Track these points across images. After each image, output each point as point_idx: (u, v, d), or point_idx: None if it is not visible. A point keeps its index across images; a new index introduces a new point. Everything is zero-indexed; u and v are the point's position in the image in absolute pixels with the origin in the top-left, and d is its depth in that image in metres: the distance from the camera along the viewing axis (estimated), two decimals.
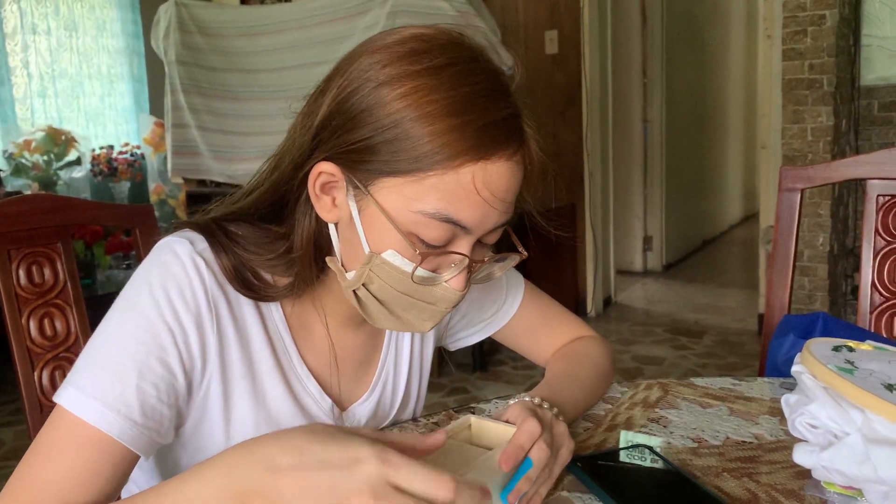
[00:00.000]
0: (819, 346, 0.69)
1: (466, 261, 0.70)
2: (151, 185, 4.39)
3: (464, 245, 0.70)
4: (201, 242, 0.73)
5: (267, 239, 0.76)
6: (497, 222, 0.70)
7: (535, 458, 0.68)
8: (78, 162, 4.19)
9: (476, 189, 0.66)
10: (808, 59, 3.15)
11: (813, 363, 0.64)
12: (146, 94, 4.93)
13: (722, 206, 6.55)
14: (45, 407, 1.10)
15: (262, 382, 0.78)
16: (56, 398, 0.66)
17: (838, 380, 0.61)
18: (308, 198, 0.73)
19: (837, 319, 1.10)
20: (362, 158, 0.67)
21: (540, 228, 0.81)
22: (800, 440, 0.62)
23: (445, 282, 0.70)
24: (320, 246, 0.76)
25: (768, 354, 1.09)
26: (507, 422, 0.72)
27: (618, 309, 4.43)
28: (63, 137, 4.07)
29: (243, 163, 3.48)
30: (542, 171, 0.73)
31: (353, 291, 0.73)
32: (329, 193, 0.72)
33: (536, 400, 0.78)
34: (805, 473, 0.73)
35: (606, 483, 0.72)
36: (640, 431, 0.87)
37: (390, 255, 0.69)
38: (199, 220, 0.76)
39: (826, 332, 1.03)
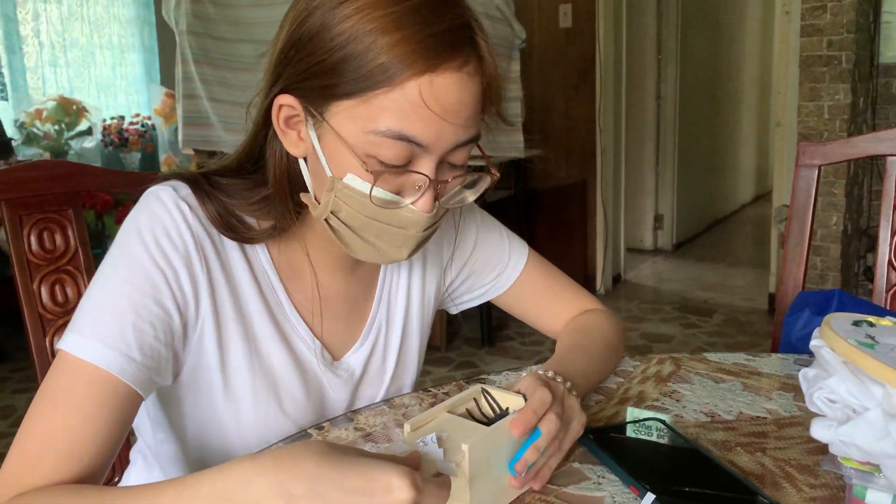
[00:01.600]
0: (839, 320, 0.68)
1: (428, 181, 0.69)
2: (162, 156, 4.39)
3: (425, 165, 0.69)
4: (185, 189, 0.75)
5: (247, 185, 0.77)
6: (457, 139, 0.68)
7: (544, 430, 0.68)
8: (89, 132, 4.19)
9: (425, 103, 0.65)
10: (826, 35, 3.11)
11: (833, 337, 0.63)
12: (157, 64, 4.91)
13: (734, 185, 6.51)
14: None
15: (253, 325, 0.79)
16: (58, 345, 0.68)
17: (859, 354, 0.60)
18: (276, 135, 0.74)
19: (854, 297, 1.08)
20: (314, 85, 0.68)
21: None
22: (817, 415, 0.62)
23: (411, 204, 0.70)
24: (294, 183, 0.76)
25: (783, 330, 1.08)
26: (518, 392, 0.72)
27: (627, 286, 4.43)
28: (74, 107, 4.07)
29: None
30: (498, 86, 0.71)
31: (327, 222, 0.73)
32: (294, 128, 0.73)
33: (550, 373, 0.78)
34: (819, 449, 0.72)
35: (618, 455, 0.72)
36: (651, 405, 0.86)
37: (350, 179, 0.69)
38: (183, 171, 0.78)
39: (842, 309, 1.02)
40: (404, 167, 0.68)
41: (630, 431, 0.77)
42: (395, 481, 0.51)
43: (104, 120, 4.39)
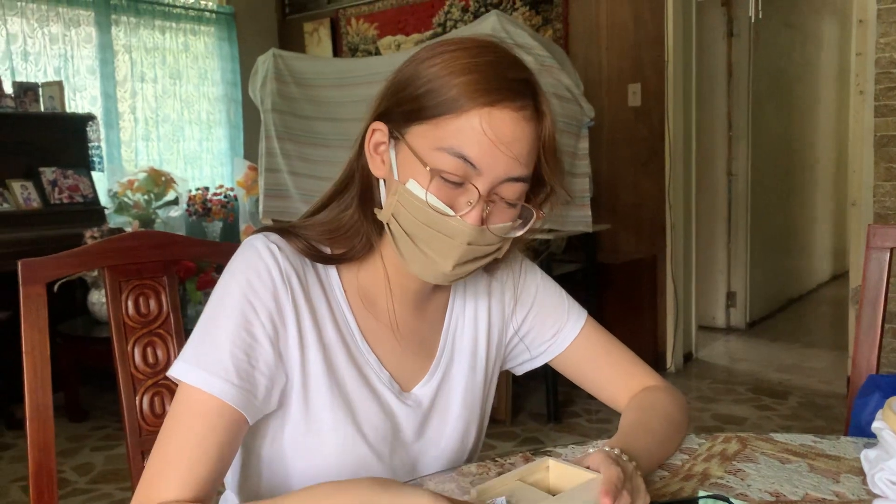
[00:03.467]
0: None
1: (478, 195, 0.79)
2: (242, 226, 4.58)
3: (478, 184, 0.79)
4: (274, 235, 0.87)
5: (327, 217, 0.90)
6: (508, 171, 0.79)
7: None
8: (175, 202, 4.42)
9: (483, 130, 0.77)
10: None
11: (894, 420, 0.64)
12: (241, 139, 5.18)
13: (810, 264, 6.35)
14: (143, 430, 1.16)
15: (330, 351, 0.87)
16: (168, 372, 0.81)
17: None
18: (362, 165, 0.88)
19: None
20: (401, 111, 0.82)
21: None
22: (879, 496, 0.62)
23: (460, 215, 0.79)
24: (375, 202, 0.88)
25: (852, 413, 1.07)
26: (587, 468, 0.74)
27: (698, 365, 4.33)
28: (163, 178, 4.31)
29: None
30: (553, 140, 0.83)
31: (389, 229, 0.84)
32: (379, 154, 0.86)
33: (616, 450, 0.80)
34: None
35: None
36: (716, 483, 0.87)
37: (411, 185, 0.81)
38: (271, 225, 0.92)
39: None
40: (457, 181, 0.79)
41: None
42: (423, 500, 0.60)
43: (190, 191, 4.63)
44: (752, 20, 4.04)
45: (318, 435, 0.86)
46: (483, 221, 0.80)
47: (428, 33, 4.73)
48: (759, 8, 3.66)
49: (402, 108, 0.82)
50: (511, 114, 0.78)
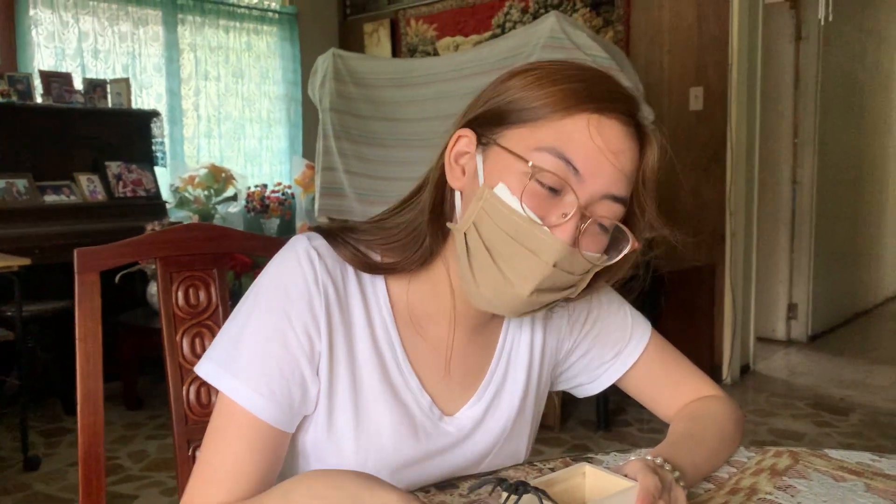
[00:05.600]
0: None
1: (574, 207, 0.72)
2: (298, 223, 4.65)
3: (578, 193, 0.72)
4: (318, 239, 0.82)
5: (392, 223, 0.84)
6: (608, 185, 0.73)
7: None
8: (234, 198, 4.51)
9: (589, 133, 0.72)
10: None
11: None
12: (300, 138, 5.26)
13: (878, 277, 6.12)
14: (190, 420, 1.18)
15: (361, 371, 0.82)
16: (196, 368, 0.80)
17: None
18: (438, 174, 0.81)
19: None
20: (493, 121, 0.76)
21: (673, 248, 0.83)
22: None
23: (550, 227, 0.72)
24: (446, 214, 0.82)
25: None
26: (625, 476, 0.72)
27: (756, 378, 4.21)
28: (223, 175, 4.40)
29: (384, 205, 3.50)
30: (656, 178, 0.78)
31: (465, 239, 0.76)
32: (460, 164, 0.79)
33: (658, 460, 0.77)
34: None
35: None
36: (763, 499, 0.83)
37: (500, 189, 0.73)
38: (322, 225, 0.87)
39: None
40: (556, 189, 0.72)
41: None
42: (392, 498, 0.59)
43: (248, 187, 4.72)
44: (822, 23, 3.90)
45: (338, 453, 0.83)
46: (575, 241, 0.73)
47: (487, 34, 4.72)
48: (830, 10, 3.54)
49: (498, 112, 0.75)
50: (619, 125, 0.73)
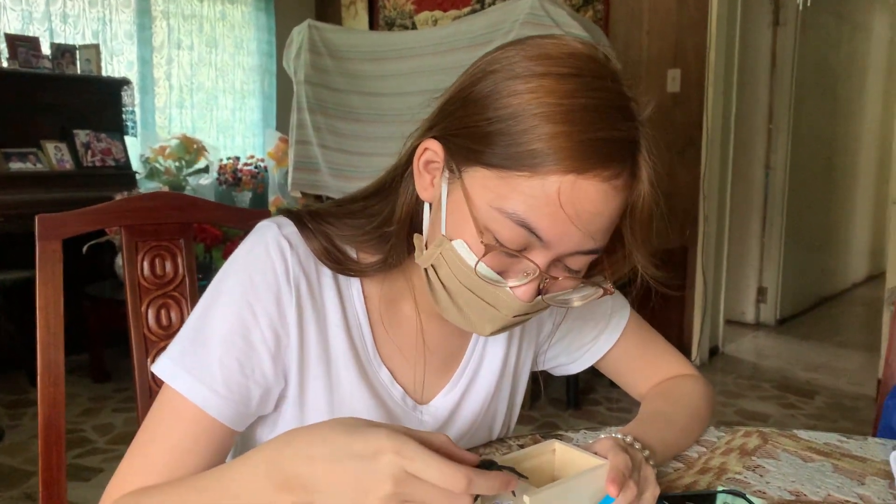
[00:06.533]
0: None
1: (537, 272, 0.68)
2: (271, 197, 4.59)
3: (540, 257, 0.68)
4: (289, 227, 0.78)
5: (364, 216, 0.79)
6: (580, 246, 0.67)
7: (621, 497, 0.66)
8: (206, 170, 4.44)
9: (560, 202, 0.63)
10: None
11: None
12: (274, 110, 5.18)
13: (845, 263, 6.21)
14: (154, 392, 1.16)
15: (337, 364, 0.80)
16: (153, 367, 0.74)
17: None
18: (411, 175, 0.76)
19: None
20: (464, 144, 0.68)
21: (645, 277, 0.76)
22: None
23: (510, 287, 0.69)
24: (415, 224, 0.78)
25: (883, 414, 1.02)
26: (595, 454, 0.71)
27: (724, 360, 4.26)
28: (195, 146, 4.33)
29: (359, 181, 3.56)
30: (649, 211, 0.70)
31: (426, 271, 0.74)
32: (430, 173, 0.74)
33: (628, 438, 0.76)
34: None
35: None
36: (732, 478, 0.83)
37: (458, 245, 0.69)
38: (292, 208, 0.81)
39: None
40: (518, 252, 0.67)
41: (707, 502, 0.75)
42: (382, 444, 0.54)
43: (221, 160, 4.65)
44: (801, 8, 3.91)
45: None
46: (539, 293, 0.69)
47: (466, 9, 4.66)
48: None
49: (467, 141, 0.67)
50: (599, 185, 0.64)
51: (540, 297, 0.70)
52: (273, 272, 0.75)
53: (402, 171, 0.78)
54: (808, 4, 3.63)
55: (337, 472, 0.54)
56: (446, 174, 0.71)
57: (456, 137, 0.69)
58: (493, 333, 0.74)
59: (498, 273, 0.69)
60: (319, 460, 0.55)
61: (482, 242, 0.66)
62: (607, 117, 0.65)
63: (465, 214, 0.68)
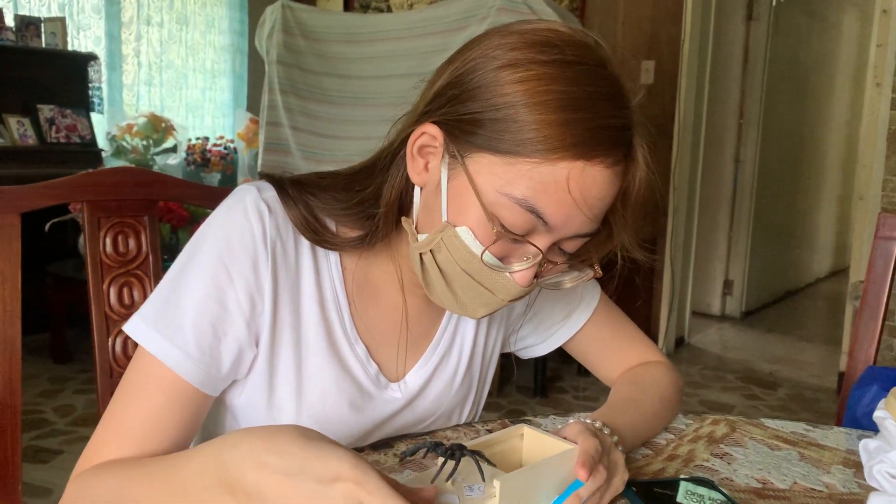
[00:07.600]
0: None
1: (539, 257, 0.69)
2: (240, 179, 4.53)
3: (541, 241, 0.69)
4: (269, 191, 0.76)
5: (349, 192, 0.78)
6: (580, 229, 0.69)
7: (590, 481, 0.66)
8: (174, 149, 4.37)
9: (568, 187, 0.65)
10: None
11: None
12: (245, 90, 5.10)
13: (810, 258, 6.31)
14: (115, 372, 1.13)
15: (308, 336, 0.79)
16: (124, 327, 0.73)
17: None
18: (403, 158, 0.75)
19: None
20: (467, 130, 0.68)
21: (621, 255, 0.78)
22: (875, 489, 0.58)
23: (511, 273, 0.70)
24: (402, 206, 0.77)
25: (847, 404, 1.03)
26: (564, 438, 0.70)
27: (690, 351, 4.31)
28: (163, 125, 4.25)
29: (330, 164, 3.51)
30: (643, 196, 0.73)
31: (420, 255, 0.73)
32: (424, 157, 0.73)
33: (598, 423, 0.76)
34: None
35: None
36: (700, 465, 0.83)
37: (463, 232, 0.69)
38: (273, 174, 0.80)
39: None
40: (522, 236, 0.68)
41: (675, 488, 0.75)
42: (343, 470, 0.51)
43: (189, 139, 4.57)
44: (773, 4, 3.95)
45: (276, 420, 0.79)
46: (534, 279, 0.71)
47: None
48: None
49: (470, 127, 0.67)
50: (604, 171, 0.66)
51: (536, 280, 0.71)
52: (251, 235, 0.74)
53: (394, 153, 0.77)
54: (781, 0, 3.66)
55: (286, 488, 0.52)
56: (446, 159, 0.70)
57: (457, 123, 0.69)
58: (483, 316, 0.75)
59: (499, 259, 0.70)
60: (270, 471, 0.53)
61: (494, 231, 0.67)
62: (610, 105, 0.67)
63: (470, 201, 0.68)
